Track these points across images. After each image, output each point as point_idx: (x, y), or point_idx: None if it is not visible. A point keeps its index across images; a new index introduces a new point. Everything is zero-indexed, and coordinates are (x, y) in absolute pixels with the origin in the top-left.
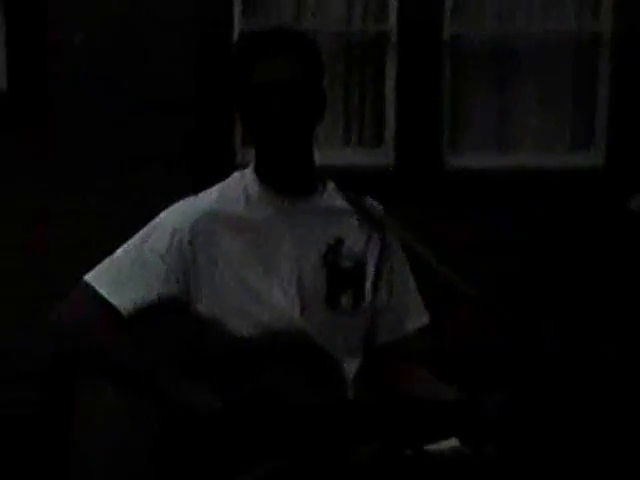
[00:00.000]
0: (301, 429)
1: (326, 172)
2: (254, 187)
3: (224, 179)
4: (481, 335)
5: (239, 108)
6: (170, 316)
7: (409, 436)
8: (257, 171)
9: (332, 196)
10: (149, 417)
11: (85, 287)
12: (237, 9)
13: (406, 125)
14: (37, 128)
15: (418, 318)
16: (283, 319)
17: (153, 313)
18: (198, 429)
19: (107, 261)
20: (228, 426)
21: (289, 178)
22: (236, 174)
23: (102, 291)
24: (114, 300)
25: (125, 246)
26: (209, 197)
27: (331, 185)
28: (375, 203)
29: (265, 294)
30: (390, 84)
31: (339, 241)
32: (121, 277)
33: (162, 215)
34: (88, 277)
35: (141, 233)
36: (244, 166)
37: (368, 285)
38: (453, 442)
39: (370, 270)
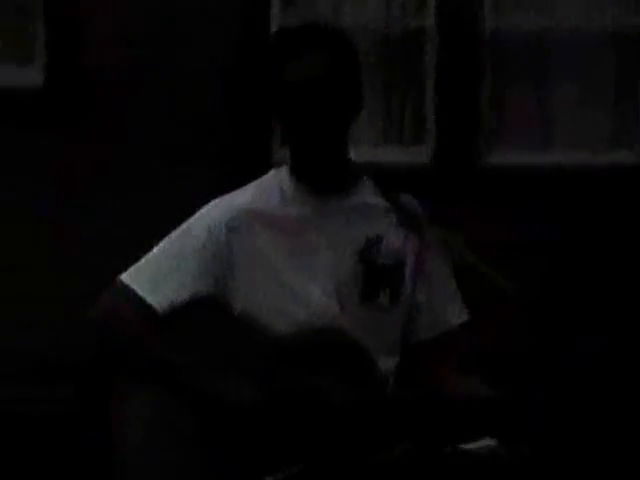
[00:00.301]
0: (337, 427)
1: (365, 169)
2: (289, 185)
3: (260, 177)
4: (518, 334)
5: (273, 106)
6: (206, 314)
7: (445, 434)
8: (292, 169)
9: (369, 193)
10: (185, 414)
11: (122, 286)
12: (275, 4)
13: (445, 122)
14: (74, 124)
15: (457, 315)
16: (320, 317)
17: (189, 311)
18: (238, 421)
19: (143, 260)
20: (267, 420)
21: (324, 176)
22: (272, 172)
23: (138, 290)
24: (150, 299)
25: (161, 245)
26: (245, 195)
27: (369, 182)
28: (413, 200)
29: (302, 292)
30: (429, 80)
31: (377, 238)
32: (157, 276)
33: (198, 213)
34: (124, 276)
35: (177, 231)
36: (281, 163)
37: (406, 282)
38: (488, 441)
39: (408, 267)
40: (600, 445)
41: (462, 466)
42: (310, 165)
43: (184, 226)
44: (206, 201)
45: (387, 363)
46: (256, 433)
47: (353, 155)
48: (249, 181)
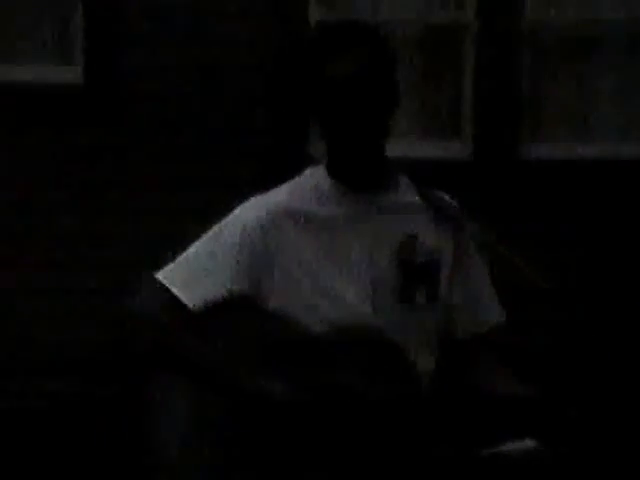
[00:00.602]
0: (374, 427)
1: (402, 165)
2: (326, 184)
3: (298, 174)
4: (557, 330)
5: (312, 104)
6: (240, 313)
7: (484, 435)
8: (329, 167)
9: (405, 191)
10: (220, 411)
11: (156, 283)
12: (313, 0)
13: (483, 117)
14: (113, 122)
15: (495, 314)
16: (356, 316)
17: (224, 309)
18: (273, 417)
19: (178, 258)
20: (299, 419)
21: (361, 174)
22: (307, 171)
23: (173, 288)
24: (184, 297)
25: (196, 244)
26: (280, 194)
27: (404, 180)
28: (449, 197)
29: (338, 291)
30: (467, 75)
31: (413, 237)
32: (191, 274)
33: (233, 213)
34: (160, 274)
35: (212, 231)
36: (319, 159)
37: (443, 281)
38: (528, 442)
39: (445, 266)
40: None
41: (499, 470)
42: (348, 163)
43: (219, 226)
44: (243, 199)
45: (424, 363)
46: (289, 431)
47: (391, 150)
48: (287, 178)
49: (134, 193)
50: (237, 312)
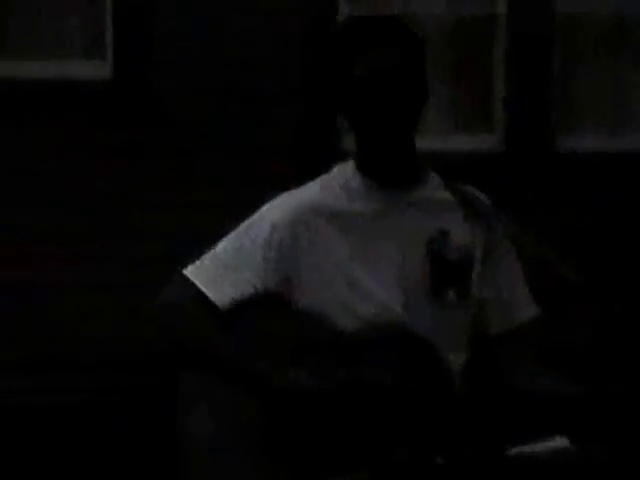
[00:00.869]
0: (403, 424)
1: (434, 158)
2: (355, 180)
3: (329, 168)
4: (592, 326)
5: (341, 99)
6: (270, 310)
7: (514, 433)
8: (358, 164)
9: (435, 187)
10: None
11: (184, 280)
12: None
13: (515, 109)
14: (143, 117)
15: (528, 309)
16: (387, 313)
17: (252, 306)
18: (305, 410)
19: (207, 255)
20: (330, 415)
21: (391, 170)
22: (337, 167)
23: (200, 285)
24: (211, 294)
25: (225, 240)
26: (309, 191)
27: (434, 176)
28: (479, 192)
29: (368, 288)
30: (499, 67)
31: (443, 233)
32: (219, 272)
33: (262, 210)
34: (188, 271)
35: (241, 228)
36: (349, 154)
37: (474, 277)
38: (560, 441)
39: (476, 262)
40: None
41: (525, 470)
42: (378, 159)
43: (248, 223)
44: (274, 196)
45: (456, 360)
46: (319, 427)
47: (423, 144)
48: (318, 172)
49: (165, 188)
50: (266, 309)
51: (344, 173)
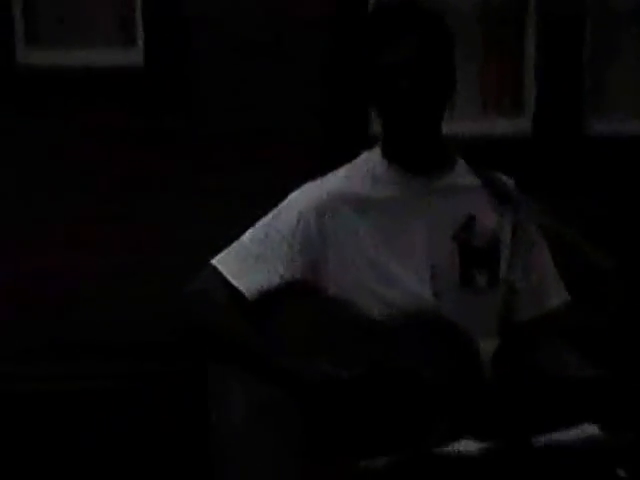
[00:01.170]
0: (433, 410)
1: (463, 142)
2: (382, 167)
3: (357, 155)
4: (621, 310)
5: (368, 87)
6: (298, 297)
7: (546, 420)
8: (384, 151)
9: (462, 173)
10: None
11: (211, 269)
12: None
13: (546, 92)
14: (175, 104)
15: (557, 295)
16: (415, 300)
17: (280, 294)
18: (329, 399)
19: (234, 244)
20: (358, 399)
21: (418, 157)
22: (363, 155)
23: (227, 274)
24: (239, 284)
25: (252, 230)
26: (336, 178)
27: (461, 161)
28: (506, 178)
29: (396, 274)
30: (529, 50)
31: (471, 219)
32: (246, 261)
33: (289, 198)
34: (215, 260)
35: (268, 217)
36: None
37: (503, 263)
38: (589, 427)
39: (504, 247)
40: None
41: (554, 460)
42: (405, 147)
43: (275, 211)
44: (302, 183)
45: (486, 346)
46: (347, 415)
47: (452, 128)
48: (347, 159)
49: (198, 175)
50: (295, 298)
51: (371, 160)
